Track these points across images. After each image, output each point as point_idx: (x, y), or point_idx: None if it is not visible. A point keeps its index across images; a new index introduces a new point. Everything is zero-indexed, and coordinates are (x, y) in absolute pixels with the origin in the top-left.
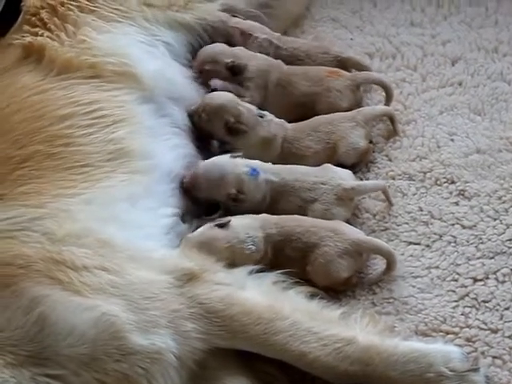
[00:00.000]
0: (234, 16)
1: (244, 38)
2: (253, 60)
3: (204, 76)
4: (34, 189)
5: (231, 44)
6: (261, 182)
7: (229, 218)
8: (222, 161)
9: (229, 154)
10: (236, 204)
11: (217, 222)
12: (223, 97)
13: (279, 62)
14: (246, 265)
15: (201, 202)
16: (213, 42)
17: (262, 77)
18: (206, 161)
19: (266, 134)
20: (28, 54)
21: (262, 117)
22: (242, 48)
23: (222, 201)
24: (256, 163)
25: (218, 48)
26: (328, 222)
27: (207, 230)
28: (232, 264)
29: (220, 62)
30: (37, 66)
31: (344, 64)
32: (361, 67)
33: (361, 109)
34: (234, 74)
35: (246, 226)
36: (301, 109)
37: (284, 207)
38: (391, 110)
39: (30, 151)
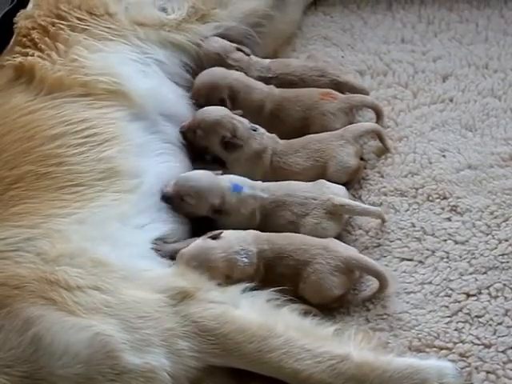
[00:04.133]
0: (239, 50)
1: None
2: (248, 93)
3: (200, 101)
4: (27, 209)
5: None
6: (246, 198)
7: (221, 230)
8: (204, 176)
9: (210, 172)
10: (218, 216)
11: (209, 235)
12: (217, 112)
13: (271, 87)
14: (240, 279)
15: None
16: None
17: (255, 110)
18: (185, 174)
19: (258, 147)
20: (19, 75)
21: (254, 130)
22: (241, 74)
23: (204, 214)
24: (242, 180)
25: (215, 76)
26: (319, 240)
27: (201, 242)
28: (228, 277)
29: (215, 95)
30: (28, 86)
31: (341, 87)
32: (358, 91)
33: (348, 126)
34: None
35: (239, 239)
36: (297, 133)
37: (276, 222)
38: (379, 127)
39: (22, 171)
